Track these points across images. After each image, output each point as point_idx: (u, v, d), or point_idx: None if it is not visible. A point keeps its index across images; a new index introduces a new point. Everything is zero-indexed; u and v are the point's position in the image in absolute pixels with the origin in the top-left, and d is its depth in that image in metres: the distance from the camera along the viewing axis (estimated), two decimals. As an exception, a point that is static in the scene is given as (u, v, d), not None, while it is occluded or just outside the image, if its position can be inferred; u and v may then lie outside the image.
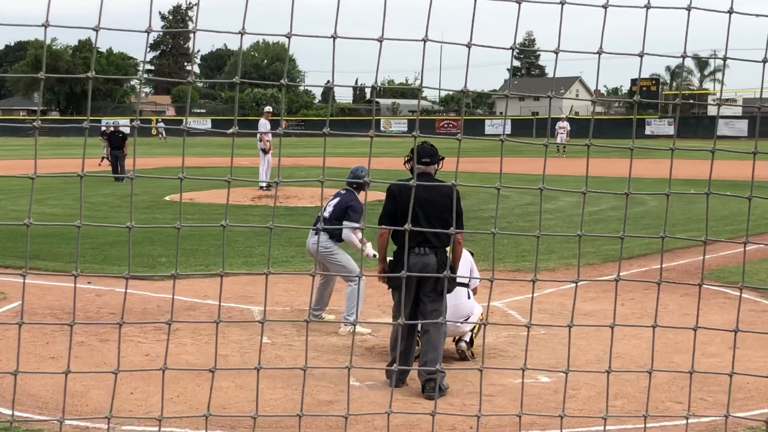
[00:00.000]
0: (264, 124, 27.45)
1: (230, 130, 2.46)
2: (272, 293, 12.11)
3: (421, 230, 7.76)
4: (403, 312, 7.34)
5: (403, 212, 8.02)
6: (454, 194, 7.30)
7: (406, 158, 8.48)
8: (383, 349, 9.54)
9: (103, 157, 39.18)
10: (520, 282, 12.61)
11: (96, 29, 2.14)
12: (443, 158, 8.37)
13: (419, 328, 8.34)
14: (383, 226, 8.12)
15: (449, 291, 8.25)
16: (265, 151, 27.03)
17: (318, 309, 10.81)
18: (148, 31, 2.19)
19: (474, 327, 9.37)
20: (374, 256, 9.95)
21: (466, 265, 9.26)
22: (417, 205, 8.01)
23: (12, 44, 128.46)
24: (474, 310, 9.35)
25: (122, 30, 2.21)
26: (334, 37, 2.33)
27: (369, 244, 10.35)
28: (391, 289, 8.65)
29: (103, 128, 40.52)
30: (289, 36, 2.23)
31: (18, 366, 2.44)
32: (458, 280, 8.90)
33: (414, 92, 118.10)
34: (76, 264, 2.59)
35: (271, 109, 28.04)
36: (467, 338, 9.36)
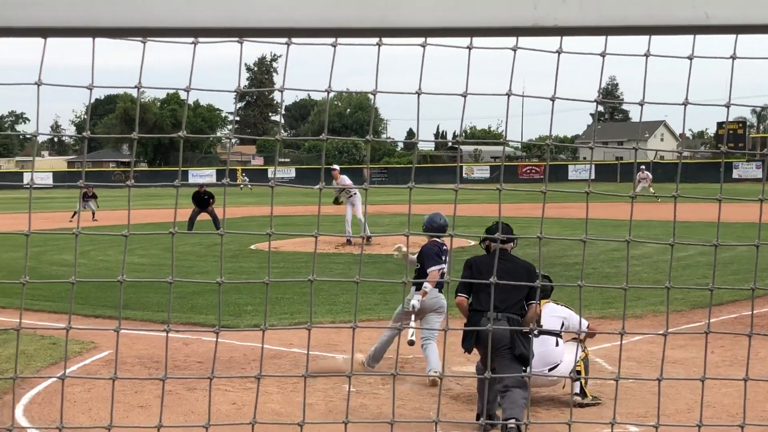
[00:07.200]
0: (343, 180, 26.56)
1: (317, 186, 2.50)
2: (356, 341, 12.12)
3: (494, 296, 8.01)
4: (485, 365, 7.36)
5: (479, 282, 8.35)
6: (534, 268, 7.90)
7: (482, 239, 8.96)
8: (468, 398, 9.49)
9: (74, 212, 38.63)
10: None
11: (187, 89, 2.21)
12: (517, 238, 9.08)
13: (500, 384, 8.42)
14: (461, 294, 8.69)
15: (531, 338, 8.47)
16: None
17: (374, 363, 10.78)
18: (237, 91, 2.24)
19: (581, 377, 9.37)
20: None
21: (557, 315, 9.40)
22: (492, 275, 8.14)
23: (102, 98, 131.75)
24: (563, 357, 9.31)
25: (212, 90, 2.27)
26: (418, 93, 2.35)
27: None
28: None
29: (85, 190, 38.94)
30: (374, 93, 2.26)
31: (111, 420, 2.49)
32: (546, 328, 9.22)
33: (496, 138, 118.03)
34: (167, 319, 2.65)
35: (337, 167, 26.79)
36: (577, 389, 9.37)
